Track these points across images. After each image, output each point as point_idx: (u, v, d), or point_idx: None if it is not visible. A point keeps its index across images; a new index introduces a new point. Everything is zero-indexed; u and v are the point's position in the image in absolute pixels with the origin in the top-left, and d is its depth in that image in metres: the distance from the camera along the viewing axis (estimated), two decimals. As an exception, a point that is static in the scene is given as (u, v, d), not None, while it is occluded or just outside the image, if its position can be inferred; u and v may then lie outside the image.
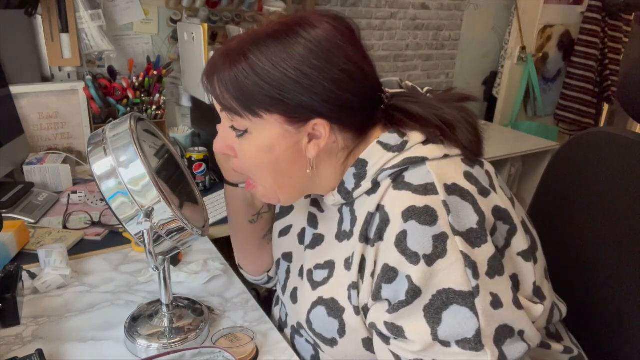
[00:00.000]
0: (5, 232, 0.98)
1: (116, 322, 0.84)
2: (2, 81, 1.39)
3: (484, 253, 0.60)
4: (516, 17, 2.57)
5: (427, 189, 0.61)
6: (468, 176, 0.64)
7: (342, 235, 0.71)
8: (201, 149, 1.45)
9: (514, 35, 2.60)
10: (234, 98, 0.63)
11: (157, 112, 1.61)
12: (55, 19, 1.47)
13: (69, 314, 0.87)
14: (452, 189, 0.61)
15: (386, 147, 0.66)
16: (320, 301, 0.72)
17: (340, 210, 0.73)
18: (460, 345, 0.59)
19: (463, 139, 0.66)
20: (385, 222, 0.62)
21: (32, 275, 0.93)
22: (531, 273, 0.67)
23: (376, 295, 0.64)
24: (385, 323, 0.63)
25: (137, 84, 1.57)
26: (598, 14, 2.67)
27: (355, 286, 0.66)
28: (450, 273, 0.58)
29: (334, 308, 0.70)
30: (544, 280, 0.72)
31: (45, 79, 1.54)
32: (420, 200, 0.60)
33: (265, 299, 1.07)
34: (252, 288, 1.02)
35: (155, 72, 1.60)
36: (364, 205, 0.67)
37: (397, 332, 0.62)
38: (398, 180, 0.64)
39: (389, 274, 0.61)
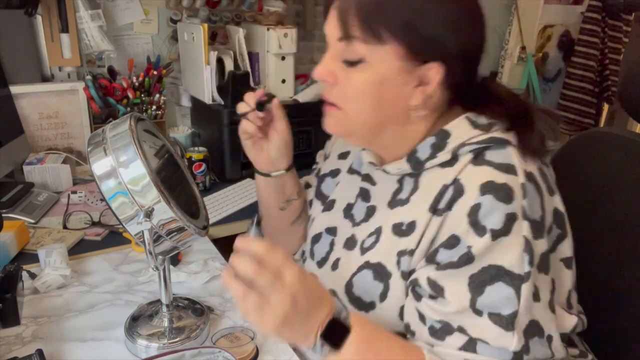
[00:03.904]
0: (5, 232, 0.98)
1: (116, 322, 0.84)
2: (2, 81, 1.39)
3: (540, 246, 0.61)
4: (516, 17, 2.57)
5: (509, 168, 0.61)
6: (541, 171, 0.65)
7: (396, 203, 0.71)
8: (201, 149, 1.45)
9: (514, 35, 2.60)
10: (364, 17, 0.61)
11: (157, 112, 1.61)
12: (55, 19, 1.47)
13: (69, 314, 0.87)
14: (530, 177, 0.62)
15: (474, 124, 0.66)
16: (367, 265, 0.71)
17: (400, 181, 0.72)
18: (492, 319, 0.60)
19: (531, 141, 0.66)
20: (459, 193, 0.62)
21: (32, 275, 0.93)
22: (569, 281, 0.69)
23: (431, 258, 0.64)
24: (429, 279, 0.63)
25: (137, 84, 1.57)
26: (598, 14, 2.67)
27: (411, 253, 0.66)
28: (507, 252, 0.59)
29: (380, 272, 0.70)
30: (574, 291, 0.72)
31: (45, 79, 1.54)
32: (500, 177, 0.60)
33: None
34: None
35: (155, 72, 1.60)
36: (434, 177, 0.66)
37: (437, 290, 0.62)
38: (479, 157, 0.64)
39: (452, 241, 0.62)
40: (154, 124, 0.79)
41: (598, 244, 0.88)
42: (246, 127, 0.81)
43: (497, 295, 0.59)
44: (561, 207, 0.67)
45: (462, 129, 0.66)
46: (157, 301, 0.86)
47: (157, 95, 1.60)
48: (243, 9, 1.76)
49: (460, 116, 0.67)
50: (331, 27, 0.65)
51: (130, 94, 1.54)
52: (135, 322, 0.82)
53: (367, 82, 0.64)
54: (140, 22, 1.67)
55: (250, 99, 0.78)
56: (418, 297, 0.65)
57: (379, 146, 0.74)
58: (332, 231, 0.83)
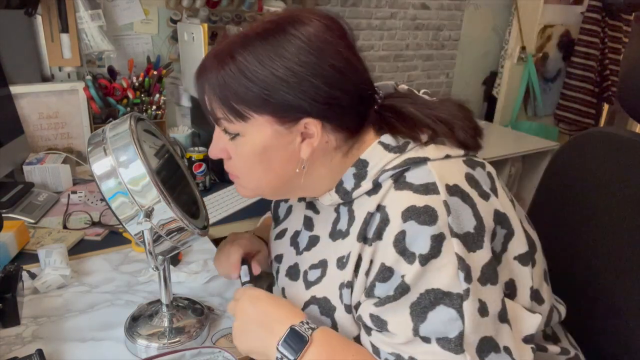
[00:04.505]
0: (5, 232, 0.98)
1: (116, 322, 0.84)
2: (2, 81, 1.39)
3: (478, 259, 0.60)
4: (516, 17, 2.57)
5: (428, 189, 0.60)
6: (469, 178, 0.64)
7: (337, 234, 0.71)
8: (201, 149, 1.45)
9: (514, 35, 2.60)
10: (222, 101, 0.63)
11: (157, 112, 1.61)
12: (55, 19, 1.47)
13: (69, 314, 0.87)
14: (454, 190, 0.61)
15: (387, 147, 0.65)
16: (313, 300, 0.71)
17: (337, 210, 0.72)
18: (440, 344, 0.59)
19: (462, 137, 0.66)
20: (385, 221, 0.62)
21: (32, 275, 0.93)
22: (528, 278, 0.67)
23: (369, 292, 0.64)
24: (371, 315, 0.63)
25: (137, 84, 1.57)
26: (598, 14, 2.67)
27: (349, 285, 0.66)
28: (441, 274, 0.58)
29: (325, 307, 0.70)
30: (543, 283, 0.71)
31: (45, 79, 1.54)
32: (420, 200, 0.60)
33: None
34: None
35: (155, 72, 1.60)
36: (363, 206, 0.66)
37: (381, 325, 0.62)
38: (399, 181, 0.63)
39: (385, 273, 0.61)
40: (154, 124, 0.79)
41: (598, 243, 0.88)
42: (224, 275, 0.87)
43: (440, 319, 0.58)
44: (501, 208, 0.65)
45: (377, 155, 0.65)
46: (157, 301, 0.86)
47: (157, 95, 1.60)
48: (243, 9, 1.76)
49: (375, 142, 0.66)
50: (205, 112, 0.68)
51: (130, 94, 1.54)
52: (135, 322, 0.82)
53: (251, 154, 0.66)
54: (140, 22, 1.67)
55: (233, 274, 0.84)
56: (368, 331, 0.65)
57: (297, 194, 0.75)
58: (278, 259, 0.83)
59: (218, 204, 1.35)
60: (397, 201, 0.62)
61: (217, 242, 1.16)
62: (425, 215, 0.58)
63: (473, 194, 0.62)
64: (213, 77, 0.63)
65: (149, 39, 1.71)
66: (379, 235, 0.62)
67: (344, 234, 0.69)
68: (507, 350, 0.61)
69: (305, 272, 0.75)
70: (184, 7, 1.68)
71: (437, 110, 0.67)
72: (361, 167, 0.66)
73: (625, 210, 0.84)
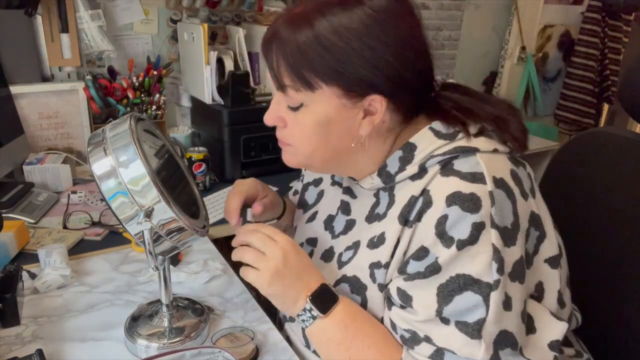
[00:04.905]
0: (5, 232, 0.98)
1: (116, 322, 0.84)
2: (2, 81, 1.39)
3: (512, 254, 0.60)
4: (516, 17, 2.57)
5: (476, 177, 0.61)
6: (514, 175, 0.64)
7: (374, 218, 0.72)
8: (201, 149, 1.45)
9: (514, 35, 2.60)
10: (292, 68, 0.62)
11: (157, 112, 1.61)
12: (55, 19, 1.47)
13: (69, 314, 0.87)
14: (500, 183, 0.61)
15: (437, 134, 0.66)
16: (344, 279, 0.72)
17: (376, 195, 0.73)
18: (458, 327, 0.60)
19: (511, 135, 0.66)
20: (427, 204, 0.62)
21: (32, 275, 0.93)
22: (557, 280, 0.68)
23: (402, 269, 0.65)
24: (398, 289, 0.64)
25: (137, 84, 1.57)
26: (598, 14, 2.67)
27: (386, 265, 0.66)
28: (475, 261, 0.59)
29: (356, 285, 0.70)
30: (566, 288, 0.72)
31: (45, 79, 1.54)
32: (467, 187, 0.60)
33: (266, 299, 1.06)
34: (252, 288, 1.02)
35: (155, 72, 1.60)
36: (406, 190, 0.66)
37: (406, 299, 0.63)
38: (447, 167, 0.63)
39: (420, 253, 0.62)
40: (154, 124, 0.79)
41: (598, 243, 0.88)
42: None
43: (465, 303, 0.59)
44: (537, 209, 0.65)
45: (426, 141, 0.66)
46: (157, 301, 0.86)
47: (157, 95, 1.60)
48: (243, 9, 1.76)
49: (425, 127, 0.67)
50: (270, 78, 0.68)
51: (130, 94, 1.54)
52: (135, 322, 0.82)
53: (312, 124, 0.65)
54: (140, 22, 1.67)
55: (233, 219, 0.80)
56: (390, 305, 0.66)
57: (342, 171, 0.75)
58: (312, 242, 0.83)
59: (218, 204, 1.35)
60: (442, 186, 0.62)
61: (217, 242, 1.16)
62: (470, 203, 0.59)
63: (515, 191, 0.63)
64: (287, 42, 0.62)
65: (149, 39, 1.71)
66: (419, 218, 0.63)
67: (380, 217, 0.70)
68: (521, 350, 0.61)
69: (340, 254, 0.75)
70: (184, 7, 1.68)
71: (492, 105, 0.68)
72: (408, 151, 0.67)
73: (625, 210, 0.84)
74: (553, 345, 0.65)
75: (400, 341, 0.66)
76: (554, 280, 0.67)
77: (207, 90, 1.52)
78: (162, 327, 0.81)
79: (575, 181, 0.94)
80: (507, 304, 0.60)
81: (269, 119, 0.70)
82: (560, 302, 0.69)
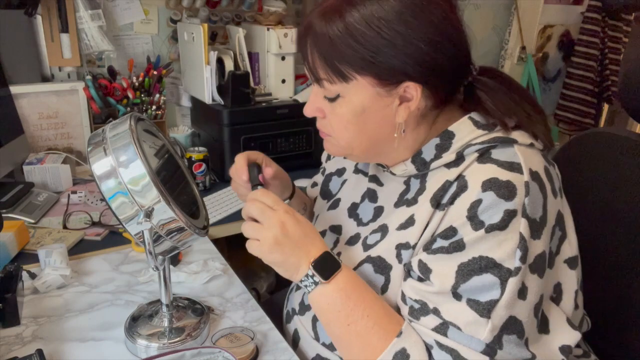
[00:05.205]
0: (5, 232, 0.98)
1: (116, 322, 0.84)
2: (2, 81, 1.39)
3: (536, 247, 0.61)
4: (516, 17, 2.57)
5: (513, 167, 0.62)
6: (547, 171, 0.65)
7: (402, 203, 0.72)
8: (201, 149, 1.45)
9: (514, 35, 2.60)
10: (326, 61, 0.63)
11: (157, 112, 1.61)
12: (55, 19, 1.47)
13: (69, 314, 0.87)
14: (535, 176, 0.62)
15: (477, 124, 0.67)
16: (367, 259, 0.73)
17: (407, 182, 0.73)
18: (469, 304, 0.60)
19: (542, 134, 0.67)
20: (462, 188, 0.63)
21: (32, 275, 0.93)
22: (574, 281, 0.69)
23: (427, 246, 0.65)
24: (419, 262, 0.64)
25: (137, 84, 1.57)
26: (598, 14, 2.67)
27: (414, 246, 0.67)
28: (500, 246, 0.59)
29: (380, 265, 0.71)
30: (579, 290, 0.72)
31: (45, 79, 1.54)
32: (504, 175, 0.61)
33: (266, 300, 1.07)
34: (252, 288, 1.02)
35: (155, 72, 1.60)
36: (439, 176, 0.67)
37: (425, 271, 0.63)
38: (485, 156, 0.64)
39: (448, 232, 0.62)
40: (154, 124, 0.79)
41: (598, 243, 0.88)
42: (241, 192, 0.85)
43: (482, 283, 0.60)
44: (562, 209, 0.67)
45: (466, 130, 0.67)
46: (157, 301, 0.86)
47: (157, 95, 1.60)
48: (243, 9, 1.76)
49: (464, 116, 0.68)
50: (306, 71, 0.69)
51: (130, 94, 1.54)
52: (135, 322, 0.82)
53: (349, 115, 0.66)
54: (140, 22, 1.67)
55: (242, 175, 0.81)
56: (406, 278, 0.67)
57: (379, 159, 0.75)
58: (336, 229, 0.83)
59: (218, 204, 1.35)
60: (479, 172, 0.63)
61: (217, 242, 1.16)
62: (505, 190, 0.59)
63: (547, 186, 0.64)
64: (319, 36, 0.63)
65: (149, 39, 1.71)
66: (452, 201, 0.63)
67: (410, 202, 0.70)
68: (526, 341, 0.62)
69: (366, 238, 0.76)
70: (184, 7, 1.68)
71: (525, 100, 0.69)
72: (446, 139, 0.67)
73: (625, 210, 0.84)
74: (564, 350, 0.65)
75: (406, 314, 0.66)
76: (571, 281, 0.68)
77: (207, 90, 1.52)
78: (162, 327, 0.81)
79: (575, 181, 0.94)
80: (522, 293, 0.60)
81: (308, 111, 0.72)
82: (575, 304, 0.69)
